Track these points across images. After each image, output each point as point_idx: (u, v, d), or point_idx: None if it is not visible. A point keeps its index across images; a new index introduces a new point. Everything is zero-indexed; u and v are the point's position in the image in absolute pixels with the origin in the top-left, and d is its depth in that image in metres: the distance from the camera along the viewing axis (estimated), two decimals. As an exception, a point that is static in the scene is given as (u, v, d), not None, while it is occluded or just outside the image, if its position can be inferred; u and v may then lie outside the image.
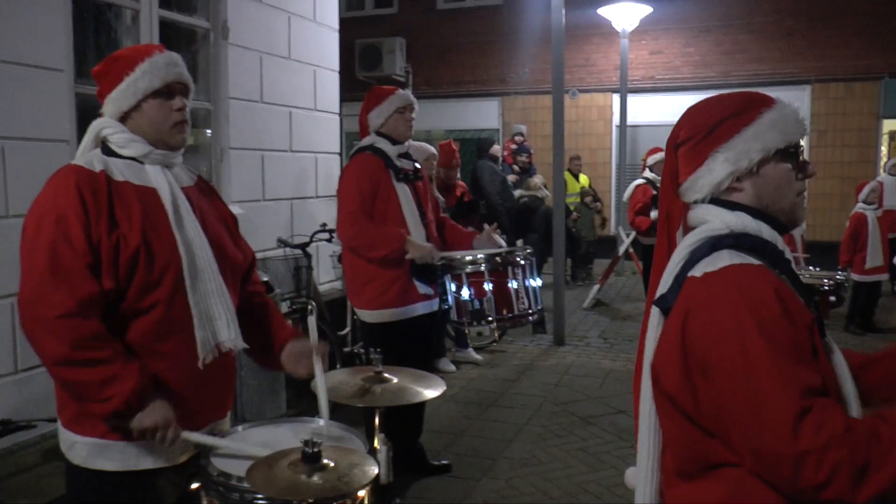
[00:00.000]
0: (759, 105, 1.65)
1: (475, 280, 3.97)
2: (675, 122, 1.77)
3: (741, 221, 1.61)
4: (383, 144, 4.15)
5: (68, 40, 4.28)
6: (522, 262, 4.03)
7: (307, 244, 5.83)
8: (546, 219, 8.96)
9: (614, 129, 14.75)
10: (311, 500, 1.79)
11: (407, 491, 4.42)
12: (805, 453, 1.33)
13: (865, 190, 8.35)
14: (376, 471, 1.89)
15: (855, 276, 8.28)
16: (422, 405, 4.52)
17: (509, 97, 15.67)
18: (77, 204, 2.04)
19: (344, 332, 6.12)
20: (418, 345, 4.22)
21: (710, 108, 1.70)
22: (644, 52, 14.64)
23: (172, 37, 5.32)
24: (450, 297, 4.06)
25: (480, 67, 15.72)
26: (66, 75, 4.26)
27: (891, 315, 9.17)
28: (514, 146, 10.27)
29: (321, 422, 2.29)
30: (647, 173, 8.01)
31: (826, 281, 5.59)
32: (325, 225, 5.97)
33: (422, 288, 4.14)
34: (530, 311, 4.05)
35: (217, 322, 2.21)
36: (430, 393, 2.46)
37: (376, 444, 2.34)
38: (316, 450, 1.86)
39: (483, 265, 3.97)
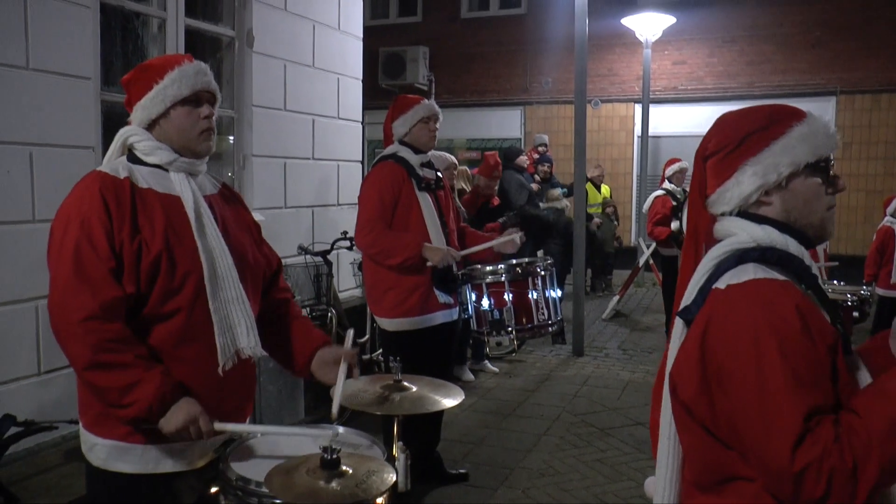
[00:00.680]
0: (789, 118, 1.65)
1: (495, 290, 3.98)
2: (697, 133, 1.77)
3: (768, 235, 1.61)
4: (406, 153, 4.17)
5: (95, 49, 4.35)
6: (543, 272, 4.04)
7: (328, 252, 5.86)
8: (566, 230, 8.94)
9: (636, 139, 14.72)
10: (328, 507, 1.80)
11: (424, 499, 4.42)
12: (803, 471, 1.35)
13: (894, 203, 8.24)
14: (394, 478, 1.90)
15: (880, 291, 8.16)
16: (440, 414, 4.52)
17: (531, 106, 15.68)
18: (101, 209, 2.08)
19: (363, 339, 6.14)
20: (438, 353, 4.23)
21: (740, 120, 1.70)
22: (667, 63, 14.60)
23: (198, 45, 5.38)
24: (470, 307, 4.07)
25: (503, 76, 15.75)
26: (93, 83, 4.32)
27: (915, 330, 9.05)
28: (536, 156, 10.27)
29: (340, 429, 2.31)
30: (667, 184, 7.98)
31: (850, 296, 5.52)
32: (345, 233, 6.00)
33: (442, 297, 4.14)
34: (550, 322, 4.05)
35: (237, 329, 2.23)
36: (449, 402, 2.46)
37: (395, 451, 2.34)
38: (335, 456, 1.87)
39: (503, 275, 3.98)
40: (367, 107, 8.14)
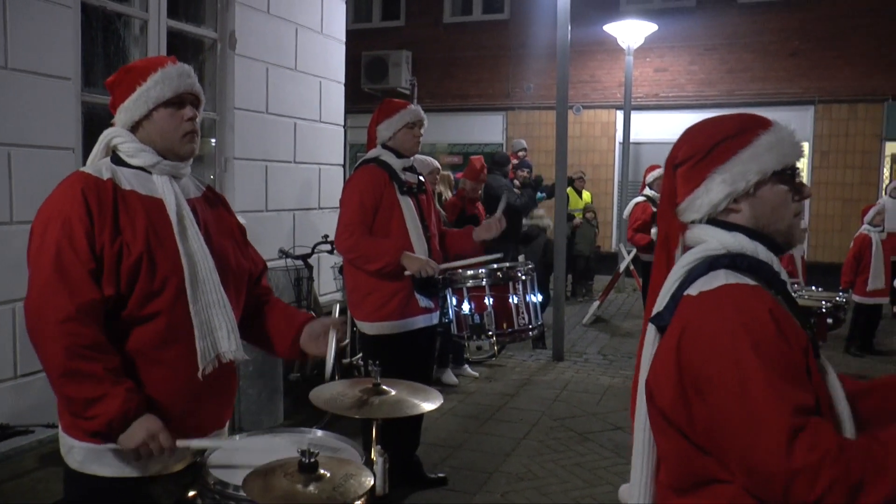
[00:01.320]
0: (756, 127, 1.68)
1: (476, 294, 3.99)
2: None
3: (738, 242, 1.63)
4: (388, 157, 4.17)
5: (76, 49, 4.32)
6: (523, 277, 4.05)
7: (309, 255, 5.85)
8: (545, 249, 8.94)
9: (618, 145, 14.82)
10: (306, 510, 1.81)
11: (403, 503, 4.42)
12: (798, 472, 1.35)
13: (872, 212, 8.36)
14: (372, 482, 1.91)
15: (856, 298, 8.27)
16: (419, 418, 4.53)
17: (514, 112, 15.73)
18: (82, 210, 2.07)
19: (344, 343, 6.12)
20: (418, 358, 4.23)
21: (709, 129, 1.73)
22: (648, 70, 14.70)
23: (180, 47, 5.36)
24: (450, 311, 4.08)
25: (485, 82, 15.80)
26: (74, 84, 4.29)
27: (890, 338, 9.17)
28: (515, 161, 10.30)
29: (318, 432, 2.31)
30: (647, 191, 8.04)
31: (825, 302, 5.59)
32: (326, 236, 6.00)
33: (422, 301, 4.15)
34: (530, 327, 4.07)
35: (218, 333, 2.23)
36: (428, 406, 2.47)
37: (373, 455, 2.35)
38: (312, 460, 1.88)
39: (484, 280, 3.99)
40: (349, 110, 8.14)
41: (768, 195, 1.65)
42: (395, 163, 4.16)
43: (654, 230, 7.62)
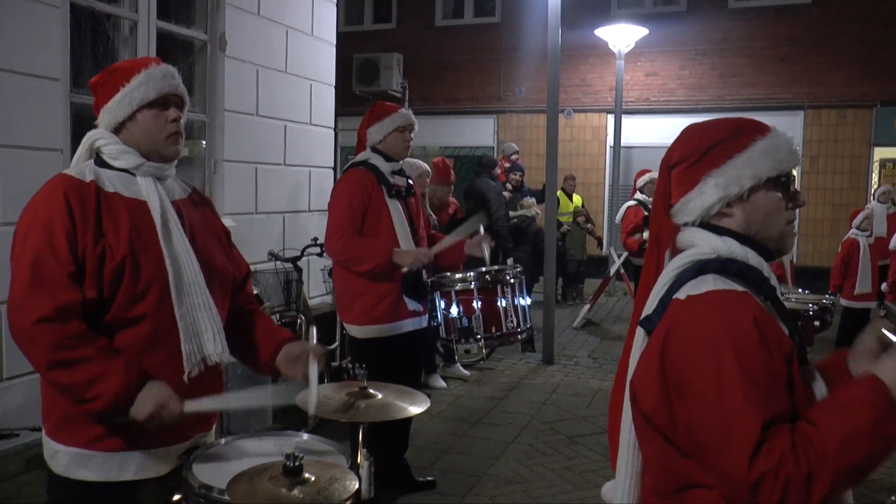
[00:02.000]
0: (753, 132, 1.67)
1: (464, 298, 3.99)
2: (669, 144, 1.79)
3: (728, 247, 1.63)
4: (377, 161, 4.17)
5: (65, 50, 4.31)
6: (512, 280, 4.06)
7: (298, 258, 5.84)
8: (535, 238, 8.98)
9: (608, 149, 14.85)
10: (290, 514, 1.80)
11: (391, 507, 4.42)
12: (760, 479, 1.37)
13: (860, 216, 8.41)
14: (357, 485, 1.90)
15: (844, 302, 8.31)
16: (408, 421, 4.52)
17: (505, 115, 15.75)
18: (64, 213, 2.06)
19: (333, 346, 6.12)
20: (406, 361, 4.23)
21: (705, 131, 1.72)
22: (639, 74, 14.74)
23: (170, 48, 5.35)
24: (439, 315, 4.08)
25: (477, 85, 15.81)
26: (62, 85, 4.28)
27: (879, 341, 9.19)
28: (507, 164, 10.32)
29: (304, 435, 2.30)
30: (638, 195, 8.06)
31: (811, 305, 5.59)
32: (316, 239, 5.99)
33: (411, 304, 4.15)
34: (519, 330, 4.07)
35: (203, 335, 2.22)
36: (415, 409, 2.46)
37: (359, 459, 2.34)
38: (297, 463, 1.87)
39: (472, 283, 3.99)
40: (340, 113, 8.14)
41: (762, 201, 1.65)
42: (384, 166, 4.16)
43: (646, 233, 7.64)
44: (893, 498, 2.01)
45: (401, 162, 4.28)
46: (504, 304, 3.99)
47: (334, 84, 7.14)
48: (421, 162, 6.46)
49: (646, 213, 7.79)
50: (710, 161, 1.67)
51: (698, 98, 14.37)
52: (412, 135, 4.23)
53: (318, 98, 6.83)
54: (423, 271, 4.15)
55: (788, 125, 13.47)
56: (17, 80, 3.99)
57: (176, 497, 2.11)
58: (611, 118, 14.07)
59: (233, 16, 5.67)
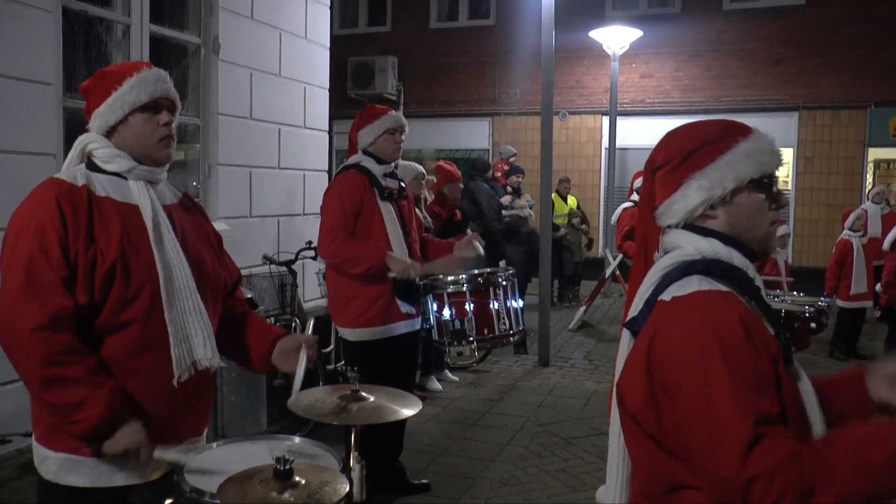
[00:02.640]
0: (735, 134, 1.68)
1: (457, 300, 4.00)
2: (660, 147, 1.80)
3: (713, 248, 1.64)
4: (369, 163, 4.17)
5: (57, 54, 4.30)
6: (504, 282, 4.06)
7: (293, 261, 5.84)
8: (529, 238, 8.98)
9: (604, 151, 14.86)
10: (281, 518, 1.80)
11: (386, 510, 4.41)
12: (752, 479, 1.36)
13: (851, 217, 8.44)
14: (347, 489, 1.90)
15: (840, 303, 8.34)
16: (402, 424, 4.52)
17: (500, 117, 15.77)
18: (56, 217, 2.05)
19: (328, 349, 6.12)
20: (400, 363, 4.23)
21: (688, 134, 1.73)
22: (634, 76, 14.77)
23: (163, 52, 5.34)
24: (431, 317, 4.08)
25: (472, 87, 15.83)
26: (55, 89, 4.27)
27: (874, 341, 9.22)
28: (506, 167, 10.32)
29: (296, 439, 2.31)
30: (635, 196, 8.07)
31: (807, 307, 5.60)
32: (310, 242, 5.98)
33: (404, 307, 4.15)
34: (511, 332, 4.08)
35: (193, 340, 2.21)
36: (407, 412, 2.46)
37: (351, 462, 2.34)
38: (288, 467, 1.87)
39: (465, 285, 4.00)
40: (336, 116, 8.15)
41: (745, 203, 1.65)
42: (376, 169, 4.16)
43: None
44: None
45: (393, 164, 4.28)
46: (496, 307, 4.00)
47: (329, 87, 7.13)
48: (416, 164, 6.48)
49: (642, 215, 7.79)
50: (693, 164, 1.67)
51: (693, 99, 14.40)
52: (403, 136, 4.24)
53: (313, 101, 6.83)
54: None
55: (783, 126, 13.53)
56: (9, 84, 3.99)
57: (167, 502, 2.11)
58: (606, 120, 14.10)
59: (226, 19, 5.66)
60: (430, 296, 4.10)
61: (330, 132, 7.31)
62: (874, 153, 14.00)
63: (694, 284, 1.58)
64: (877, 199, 10.19)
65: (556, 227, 11.01)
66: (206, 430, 2.47)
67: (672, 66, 14.63)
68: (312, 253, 5.93)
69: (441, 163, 7.25)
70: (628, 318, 1.70)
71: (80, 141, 2.28)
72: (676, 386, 1.49)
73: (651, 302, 1.64)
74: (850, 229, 8.33)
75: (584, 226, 12.38)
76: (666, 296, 1.60)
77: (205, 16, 5.57)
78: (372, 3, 16.63)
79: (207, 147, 5.65)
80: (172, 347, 2.17)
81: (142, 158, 2.25)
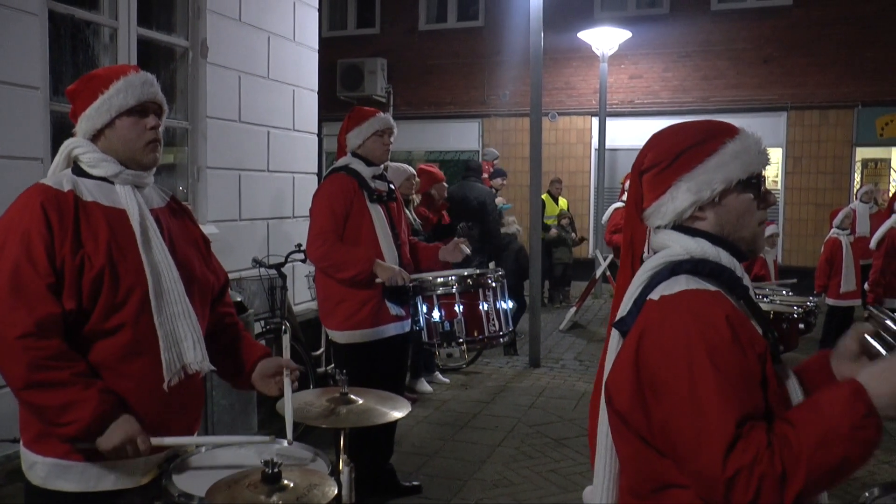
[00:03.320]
0: (722, 135, 1.68)
1: (446, 302, 4.00)
2: (650, 147, 1.80)
3: (701, 248, 1.65)
4: (358, 165, 4.17)
5: (44, 58, 4.28)
6: (494, 283, 4.06)
7: (282, 264, 5.83)
8: (517, 255, 8.94)
9: (593, 152, 14.89)
10: (270, 521, 1.80)
11: (377, 512, 4.41)
12: (735, 476, 1.38)
13: (840, 216, 8.48)
14: (336, 491, 1.90)
15: (829, 301, 8.37)
16: (392, 426, 4.52)
17: (489, 119, 15.78)
18: (41, 223, 2.04)
19: (318, 352, 6.11)
20: (389, 366, 4.23)
21: (675, 136, 1.74)
22: (623, 77, 14.80)
23: (151, 55, 5.33)
24: (421, 319, 4.08)
25: (461, 89, 15.83)
26: (42, 93, 4.25)
27: (863, 340, 9.25)
28: (491, 169, 10.34)
29: (285, 442, 2.30)
30: (626, 196, 8.08)
31: (796, 308, 5.62)
32: (300, 245, 5.97)
33: (393, 309, 4.15)
34: (501, 333, 4.08)
35: (183, 344, 2.21)
36: (396, 414, 2.47)
37: (340, 464, 2.34)
38: (276, 470, 1.87)
39: (454, 287, 4.00)
40: (325, 118, 8.13)
41: (733, 203, 1.66)
42: (365, 171, 4.16)
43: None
44: (867, 494, 2.02)
45: (381, 166, 4.28)
46: (486, 308, 4.00)
47: (318, 89, 7.12)
48: (407, 166, 6.48)
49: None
50: (681, 166, 1.68)
51: (682, 100, 14.44)
52: (391, 138, 4.24)
53: (301, 104, 6.82)
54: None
55: (771, 126, 13.59)
56: (-5, 88, 3.97)
57: (156, 506, 2.11)
58: (595, 121, 14.13)
59: (214, 22, 5.65)
60: (420, 297, 4.10)
61: (319, 134, 7.30)
62: (862, 152, 14.08)
63: (682, 284, 1.59)
64: (865, 199, 10.25)
65: (545, 228, 11.03)
66: (196, 433, 2.46)
67: (661, 66, 14.67)
68: (302, 256, 5.91)
69: (422, 166, 7.24)
70: (617, 318, 1.71)
71: (66, 146, 2.27)
72: (663, 384, 1.50)
73: (639, 301, 1.65)
74: (838, 227, 8.37)
75: (572, 234, 12.30)
76: (654, 295, 1.61)
77: (192, 18, 5.56)
78: (361, 5, 16.62)
79: (196, 150, 5.64)
80: (162, 351, 2.17)
81: (128, 162, 2.25)
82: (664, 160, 1.71)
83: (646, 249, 1.80)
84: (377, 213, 4.13)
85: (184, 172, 5.66)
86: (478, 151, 15.61)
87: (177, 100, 5.53)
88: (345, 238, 4.07)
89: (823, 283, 8.42)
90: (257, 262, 5.72)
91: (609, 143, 13.50)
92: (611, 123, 13.59)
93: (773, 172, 14.12)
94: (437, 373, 7.34)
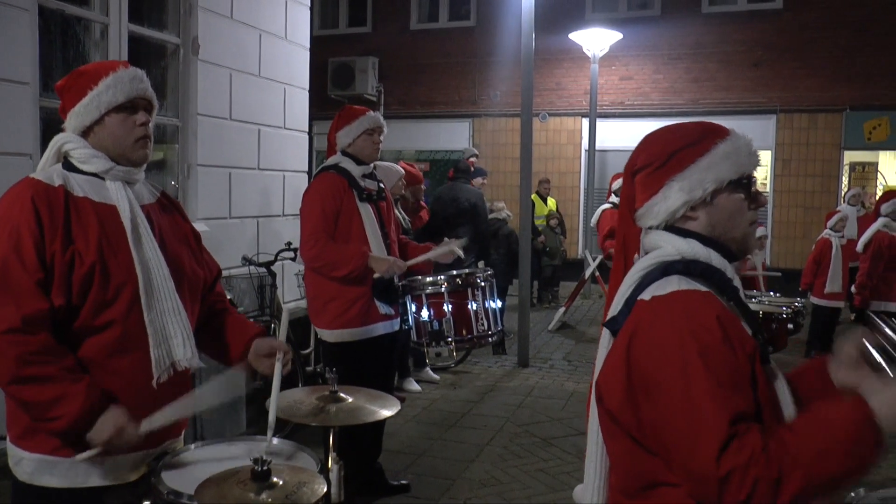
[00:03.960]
0: (713, 136, 1.70)
1: (435, 301, 4.00)
2: (640, 149, 1.81)
3: (692, 248, 1.66)
4: (348, 164, 4.17)
5: (34, 53, 4.26)
6: (483, 283, 4.08)
7: (272, 263, 5.82)
8: (508, 240, 9.01)
9: (583, 153, 14.93)
10: (259, 519, 1.80)
11: (365, 511, 4.41)
12: (728, 475, 1.39)
13: (834, 218, 8.56)
14: (325, 489, 1.90)
15: (814, 300, 8.42)
16: (381, 425, 4.52)
17: (480, 119, 15.79)
18: (31, 219, 2.03)
19: (307, 351, 6.11)
20: (378, 365, 4.23)
21: (667, 136, 1.75)
22: (614, 78, 14.84)
23: (142, 52, 5.30)
24: (410, 318, 4.08)
25: (452, 89, 15.84)
26: (31, 88, 4.23)
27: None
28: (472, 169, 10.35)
29: (274, 440, 2.31)
30: (613, 198, 8.11)
31: (785, 308, 5.67)
32: (289, 244, 5.97)
33: (383, 308, 4.15)
34: (490, 332, 4.09)
35: (173, 341, 2.20)
36: (385, 413, 2.47)
37: (329, 462, 2.34)
38: (265, 468, 1.87)
39: (443, 286, 4.00)
40: (316, 117, 8.12)
41: (725, 203, 1.68)
42: (355, 170, 4.16)
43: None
44: (853, 494, 2.04)
45: (371, 165, 4.28)
46: (475, 307, 4.01)
47: (309, 88, 7.11)
48: (397, 167, 6.48)
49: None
50: (673, 166, 1.69)
51: (672, 102, 14.49)
52: (381, 137, 4.24)
53: (292, 102, 6.81)
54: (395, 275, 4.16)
55: (761, 129, 13.65)
56: (-16, 83, 3.95)
57: (145, 503, 2.10)
58: (585, 122, 14.16)
59: (205, 19, 5.63)
60: (409, 297, 4.10)
61: (310, 133, 7.29)
62: (850, 156, 14.16)
63: (673, 284, 1.61)
64: (853, 202, 10.32)
65: (535, 231, 11.05)
66: (183, 432, 2.46)
67: (651, 68, 14.72)
68: (292, 254, 5.91)
69: (403, 164, 7.23)
70: (608, 317, 1.72)
71: (56, 141, 2.26)
72: (655, 384, 1.51)
73: (631, 301, 1.66)
74: (832, 229, 8.43)
75: (560, 237, 12.32)
76: (646, 295, 1.63)
77: (184, 16, 5.54)
78: (352, 3, 16.61)
79: (186, 148, 5.62)
80: (152, 348, 2.16)
81: (118, 159, 2.24)
82: (657, 160, 1.72)
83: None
84: (367, 211, 4.13)
85: (174, 170, 5.64)
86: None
87: (167, 97, 5.51)
88: (335, 237, 4.07)
89: (809, 280, 8.48)
90: (247, 261, 5.71)
91: (599, 145, 13.54)
92: (601, 125, 13.62)
93: (763, 175, 14.19)
94: (428, 369, 7.33)
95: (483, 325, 4.03)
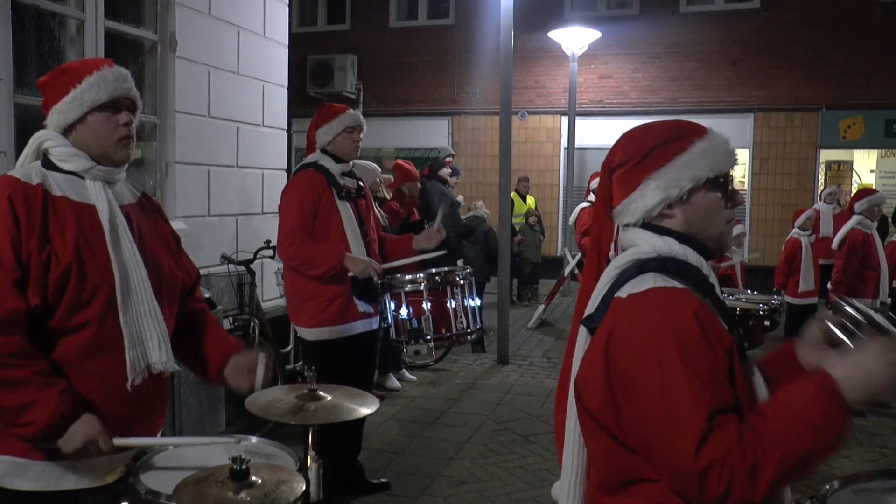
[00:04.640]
0: (690, 134, 1.71)
1: (414, 299, 4.01)
2: (618, 147, 1.82)
3: (668, 246, 1.67)
4: (327, 162, 4.17)
5: (8, 49, 4.21)
6: (462, 281, 4.08)
7: (251, 261, 5.80)
8: (486, 237, 9.04)
9: (562, 151, 14.98)
10: (237, 518, 1.80)
11: (345, 509, 4.41)
12: (707, 469, 1.40)
13: (802, 217, 8.62)
14: (304, 488, 1.90)
15: (789, 299, 8.50)
16: (360, 423, 4.51)
17: (459, 117, 15.79)
18: (8, 216, 2.01)
19: (287, 349, 6.09)
20: (358, 362, 4.23)
21: (645, 134, 1.76)
22: (593, 76, 14.90)
23: (119, 48, 5.26)
24: (389, 316, 4.09)
25: (431, 86, 15.83)
26: (6, 85, 4.18)
27: (825, 338, 9.40)
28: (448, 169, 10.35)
29: (254, 439, 2.30)
30: (591, 196, 8.14)
31: (762, 305, 5.72)
32: (269, 242, 5.95)
33: (362, 306, 4.15)
34: (469, 330, 4.10)
35: (148, 343, 2.18)
36: (364, 410, 2.46)
37: (308, 461, 2.34)
38: (244, 467, 1.86)
39: (422, 284, 4.01)
40: (295, 115, 8.09)
41: (701, 202, 1.69)
42: (334, 167, 4.16)
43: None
44: (827, 486, 2.07)
45: (351, 163, 4.28)
46: (454, 305, 4.02)
47: (288, 85, 7.08)
48: (375, 165, 6.48)
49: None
50: (650, 164, 1.70)
51: (651, 100, 14.57)
52: (361, 135, 4.24)
53: (271, 99, 6.78)
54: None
55: (738, 127, 13.76)
56: (-42, 80, 3.90)
57: (123, 503, 2.09)
58: (565, 120, 14.20)
59: (183, 15, 5.59)
60: (388, 295, 4.11)
61: (289, 131, 7.26)
62: (825, 154, 14.32)
63: (649, 282, 1.61)
64: (829, 200, 10.43)
65: (513, 231, 11.08)
66: (160, 434, 2.44)
67: (630, 67, 14.79)
68: (271, 252, 5.89)
69: (399, 161, 7.28)
70: (585, 316, 1.73)
71: (36, 138, 2.23)
72: (633, 381, 1.52)
73: (607, 299, 1.67)
74: (800, 228, 8.51)
75: (539, 236, 12.35)
76: (622, 293, 1.63)
77: (161, 12, 5.50)
78: (331, 1, 16.56)
79: (164, 145, 5.58)
80: (127, 350, 2.14)
81: (100, 158, 2.21)
82: (634, 158, 1.73)
83: (612, 247, 1.82)
84: (346, 210, 4.12)
85: (152, 168, 5.60)
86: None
87: (145, 94, 5.45)
88: (314, 235, 4.06)
89: (782, 280, 8.56)
90: (226, 259, 5.68)
91: (578, 143, 13.58)
92: (580, 123, 13.67)
93: (740, 173, 14.30)
94: (405, 370, 7.34)
95: (462, 323, 4.04)
